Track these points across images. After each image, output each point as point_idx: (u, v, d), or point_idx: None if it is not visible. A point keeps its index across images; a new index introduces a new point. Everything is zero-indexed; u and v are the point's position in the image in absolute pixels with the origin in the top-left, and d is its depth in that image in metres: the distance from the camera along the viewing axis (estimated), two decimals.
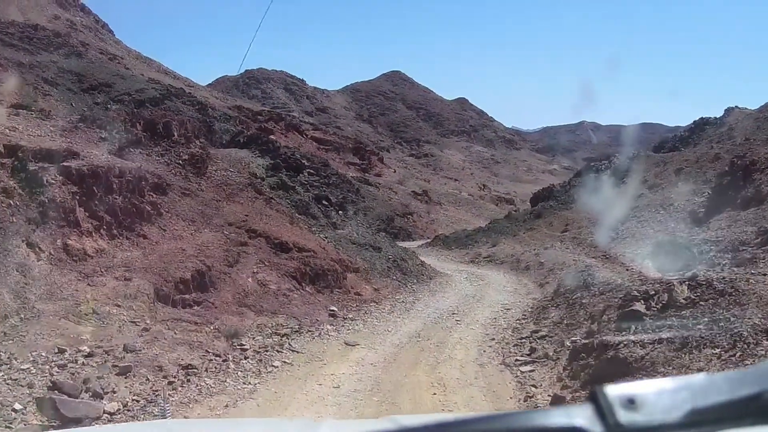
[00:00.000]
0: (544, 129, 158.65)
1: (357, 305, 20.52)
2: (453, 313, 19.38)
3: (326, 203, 27.95)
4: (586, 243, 29.52)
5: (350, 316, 18.71)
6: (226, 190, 25.76)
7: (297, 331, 16.33)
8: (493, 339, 15.99)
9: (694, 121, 43.35)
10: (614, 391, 1.12)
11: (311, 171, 30.23)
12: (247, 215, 23.84)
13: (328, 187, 39.16)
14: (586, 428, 1.07)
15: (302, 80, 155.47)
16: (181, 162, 25.69)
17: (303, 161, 31.07)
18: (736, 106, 40.67)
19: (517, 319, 18.39)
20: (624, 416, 1.06)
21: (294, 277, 20.05)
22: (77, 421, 9.13)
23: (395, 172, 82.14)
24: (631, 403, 1.08)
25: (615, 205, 28.65)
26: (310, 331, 16.56)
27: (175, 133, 27.41)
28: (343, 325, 17.44)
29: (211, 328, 15.39)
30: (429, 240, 46.81)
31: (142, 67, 75.84)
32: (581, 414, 1.09)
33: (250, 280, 18.88)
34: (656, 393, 1.12)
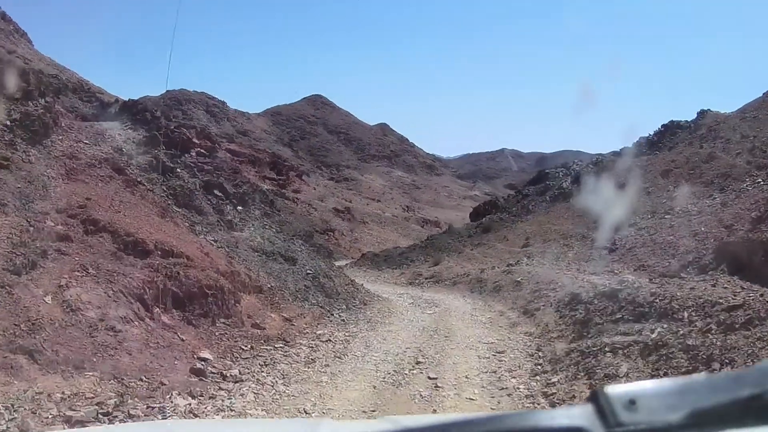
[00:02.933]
0: (465, 156, 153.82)
1: (253, 347, 11.91)
2: (417, 363, 10.84)
3: (220, 194, 19.04)
4: (569, 257, 21.56)
5: (234, 371, 9.88)
6: (68, 165, 16.53)
7: (109, 414, 7.41)
8: None
9: (663, 125, 36.92)
10: (615, 391, 1.06)
11: (203, 151, 21.13)
12: (88, 199, 14.71)
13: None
14: (587, 428, 1.02)
15: (223, 102, 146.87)
16: (9, 122, 16.46)
17: (193, 139, 21.94)
18: (709, 109, 34.54)
19: (534, 374, 9.99)
20: (625, 416, 1.01)
21: (141, 297, 11.10)
22: None
23: (315, 189, 73.40)
24: (632, 403, 1.02)
25: (604, 214, 20.88)
26: (138, 410, 7.62)
27: (11, 84, 17.98)
28: (215, 395, 8.54)
29: None
30: (355, 259, 38.28)
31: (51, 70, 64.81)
32: (582, 414, 1.04)
33: (48, 299, 9.88)
34: (657, 393, 1.07)
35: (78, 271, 10.99)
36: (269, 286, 16.12)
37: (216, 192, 19.28)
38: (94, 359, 8.95)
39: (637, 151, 33.73)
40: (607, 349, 9.48)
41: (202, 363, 9.80)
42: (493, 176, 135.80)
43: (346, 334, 13.81)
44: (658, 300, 10.40)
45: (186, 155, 20.29)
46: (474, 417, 1.15)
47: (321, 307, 16.41)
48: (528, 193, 36.05)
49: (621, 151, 35.74)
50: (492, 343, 12.96)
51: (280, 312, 15.20)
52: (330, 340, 12.99)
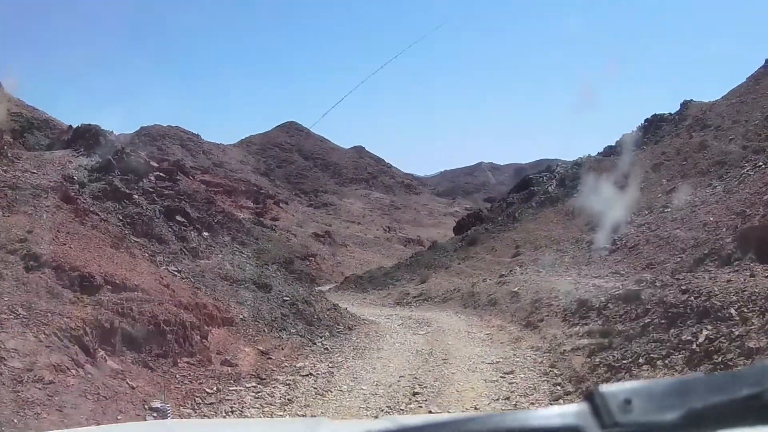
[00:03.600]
0: (442, 173, 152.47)
1: (220, 389, 10.14)
2: (414, 394, 9.13)
3: (182, 220, 17.22)
4: (565, 262, 19.97)
5: (194, 419, 8.03)
6: (9, 197, 14.76)
7: None
8: None
9: (646, 120, 35.65)
10: (611, 390, 1.03)
11: (162, 175, 19.23)
12: (30, 232, 12.91)
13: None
14: (582, 428, 1.01)
15: (197, 135, 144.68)
16: None
17: (150, 162, 20.04)
18: (692, 100, 33.35)
19: (556, 397, 8.32)
20: (620, 416, 0.99)
21: (80, 340, 9.27)
22: None
23: (293, 216, 71.55)
24: (627, 403, 1.00)
25: (598, 214, 19.42)
26: None
27: None
28: None
29: None
30: (338, 283, 36.43)
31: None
32: (578, 414, 1.03)
33: None
34: (653, 393, 1.05)
35: (5, 314, 9.17)
36: (242, 317, 14.35)
37: (178, 218, 17.45)
38: (15, 419, 7.15)
39: (621, 149, 32.46)
40: (641, 360, 7.82)
41: (154, 414, 7.99)
42: (472, 191, 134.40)
43: (330, 364, 12.03)
44: (692, 298, 8.76)
45: (144, 180, 18.45)
46: (472, 416, 1.11)
47: (301, 336, 14.62)
48: (513, 200, 34.50)
49: (605, 151, 34.48)
50: (497, 362, 11.26)
51: (255, 345, 13.45)
52: (311, 374, 11.21)
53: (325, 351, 13.62)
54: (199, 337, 12.17)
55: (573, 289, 15.01)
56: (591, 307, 12.50)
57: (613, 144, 35.26)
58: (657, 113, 34.85)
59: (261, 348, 13.31)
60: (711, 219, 15.97)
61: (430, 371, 10.75)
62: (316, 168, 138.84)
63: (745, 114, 25.63)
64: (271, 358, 12.81)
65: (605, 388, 1.03)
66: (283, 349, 13.58)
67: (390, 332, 16.07)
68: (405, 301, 24.72)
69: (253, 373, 11.65)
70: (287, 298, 16.03)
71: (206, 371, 11.21)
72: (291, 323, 15.10)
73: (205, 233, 17.96)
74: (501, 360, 11.42)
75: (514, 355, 11.86)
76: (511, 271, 21.37)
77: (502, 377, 9.94)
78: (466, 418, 1.10)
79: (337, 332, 15.97)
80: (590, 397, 1.04)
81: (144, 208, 16.87)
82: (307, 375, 11.11)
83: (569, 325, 12.68)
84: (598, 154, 34.82)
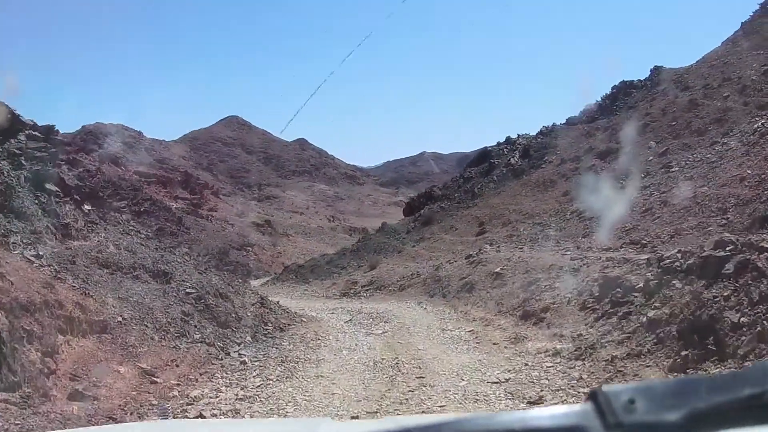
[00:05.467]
0: (386, 163, 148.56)
1: None
2: None
3: (56, 190, 12.25)
4: (552, 235, 15.89)
5: None
6: None
7: None
8: None
9: (614, 87, 31.87)
10: (614, 390, 0.99)
11: (36, 134, 14.01)
12: None
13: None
14: (586, 428, 0.97)
15: (140, 132, 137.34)
16: None
17: (20, 117, 14.77)
18: (662, 66, 29.80)
19: None
20: (624, 416, 0.95)
21: None
22: None
23: (233, 207, 66.22)
24: (631, 403, 0.96)
25: (582, 182, 15.50)
26: None
27: None
28: None
29: None
30: (277, 274, 31.68)
31: None
32: (581, 413, 0.99)
33: None
34: (656, 393, 1.01)
35: None
36: (121, 318, 9.61)
37: (49, 186, 12.45)
38: None
39: (588, 118, 28.69)
40: None
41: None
42: (416, 180, 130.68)
43: (242, 391, 7.45)
44: None
45: (12, 140, 13.37)
46: (474, 416, 1.05)
47: (209, 343, 10.00)
48: (471, 175, 30.28)
49: (568, 122, 30.60)
50: (504, 381, 6.86)
51: (137, 361, 8.85)
52: (207, 408, 6.61)
53: (241, 366, 9.02)
54: (39, 354, 7.56)
55: (582, 266, 10.73)
56: (629, 287, 8.22)
57: (577, 114, 31.58)
58: (625, 80, 31.36)
59: (144, 365, 8.68)
60: (749, 172, 11.98)
61: (401, 402, 6.28)
62: (259, 162, 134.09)
63: (735, 72, 22.07)
64: (156, 382, 8.25)
65: (609, 387, 0.98)
66: (178, 365, 8.98)
67: (335, 333, 11.52)
68: (353, 291, 20.22)
69: (118, 410, 7.08)
70: (192, 291, 11.28)
71: (33, 413, 6.59)
72: (195, 326, 10.42)
73: (87, 206, 12.99)
74: (510, 377, 7.03)
75: (526, 366, 7.49)
76: (480, 250, 17.06)
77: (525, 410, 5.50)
78: (468, 418, 1.04)
79: (264, 336, 11.36)
80: (594, 397, 0.99)
81: (4, 174, 11.98)
82: (198, 415, 6.50)
83: (597, 316, 8.39)
84: (561, 125, 30.97)
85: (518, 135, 31.14)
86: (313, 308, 16.57)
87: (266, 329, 11.82)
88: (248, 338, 10.97)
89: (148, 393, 7.82)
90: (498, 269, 13.33)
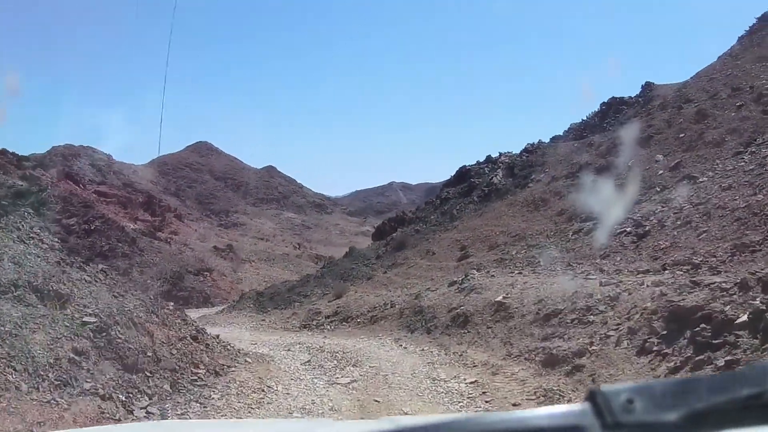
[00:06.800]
0: (354, 193, 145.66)
1: None
2: None
3: None
4: (554, 257, 13.01)
5: None
6: None
7: None
8: None
9: (603, 103, 29.57)
10: (613, 390, 0.98)
11: None
12: None
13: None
14: (585, 427, 0.95)
15: (109, 155, 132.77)
16: None
17: None
18: (653, 82, 27.67)
19: None
20: (623, 416, 0.93)
21: None
22: None
23: (196, 231, 62.47)
24: (629, 402, 0.94)
25: (591, 199, 12.80)
26: None
27: None
28: None
29: None
30: (234, 302, 28.25)
31: None
32: (580, 413, 0.97)
33: None
34: (655, 393, 0.99)
35: None
36: None
37: None
38: None
39: (576, 135, 26.22)
40: None
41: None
42: (384, 210, 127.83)
43: None
44: None
45: None
46: (474, 417, 1.06)
47: (104, 396, 6.82)
48: (448, 196, 27.32)
49: (554, 139, 28.11)
50: None
51: None
52: None
53: None
54: None
55: (621, 293, 7.80)
56: (726, 322, 5.33)
57: (561, 134, 29.13)
58: (615, 96, 29.09)
59: None
60: None
61: None
62: (227, 188, 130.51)
63: (744, 83, 19.76)
64: None
65: (607, 387, 0.97)
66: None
67: (287, 380, 8.33)
68: (315, 322, 17.03)
69: None
70: (92, 319, 8.00)
71: None
72: (89, 369, 7.20)
73: None
74: None
75: None
76: (467, 275, 14.07)
77: None
78: (468, 418, 1.02)
79: (189, 383, 8.11)
80: (592, 397, 0.97)
81: None
82: None
83: (675, 365, 5.48)
84: (548, 142, 28.41)
85: (500, 153, 28.48)
86: (267, 343, 13.37)
87: (195, 374, 8.60)
88: (165, 387, 7.74)
89: None
90: (499, 298, 10.31)
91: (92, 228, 35.56)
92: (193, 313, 27.09)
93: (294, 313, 20.05)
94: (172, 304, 12.33)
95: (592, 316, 7.61)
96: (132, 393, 7.32)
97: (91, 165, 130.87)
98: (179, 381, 8.09)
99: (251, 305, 24.68)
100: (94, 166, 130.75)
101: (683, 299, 6.49)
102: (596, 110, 29.55)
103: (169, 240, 47.66)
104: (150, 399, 7.41)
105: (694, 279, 7.19)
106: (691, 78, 23.96)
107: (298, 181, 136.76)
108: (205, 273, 37.22)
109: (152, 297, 11.84)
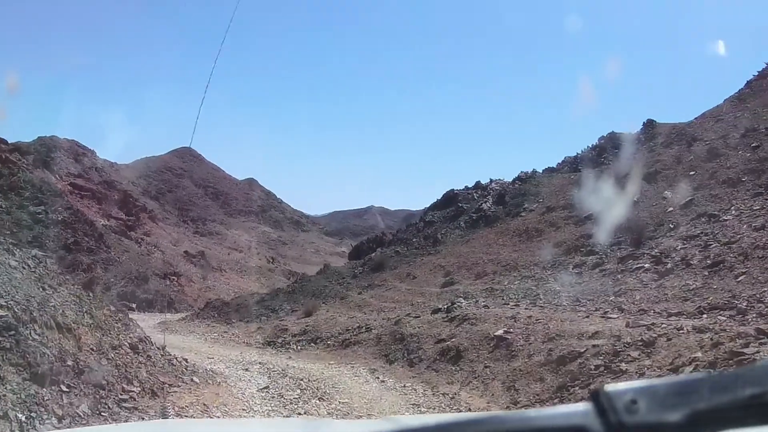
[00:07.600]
0: (332, 213, 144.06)
1: None
2: None
3: None
4: (554, 291, 11.58)
5: None
6: None
7: None
8: None
9: (601, 138, 28.59)
10: (616, 390, 0.96)
11: None
12: None
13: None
14: (587, 428, 0.93)
15: (93, 151, 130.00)
16: None
17: None
18: (654, 120, 26.72)
19: None
20: (626, 416, 0.92)
21: None
22: None
23: (169, 234, 60.38)
24: (633, 403, 0.93)
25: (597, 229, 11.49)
26: None
27: None
28: None
29: None
30: (198, 310, 26.43)
31: None
32: (583, 414, 0.95)
33: None
34: (658, 393, 0.97)
35: None
36: None
37: None
38: None
39: (571, 168, 25.03)
40: None
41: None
42: (360, 233, 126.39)
43: None
44: None
45: None
46: (475, 417, 1.03)
47: None
48: (433, 219, 25.84)
49: (547, 171, 26.89)
50: None
51: None
52: None
53: None
54: None
55: (657, 338, 6.34)
56: None
57: (554, 166, 27.91)
58: (615, 131, 28.13)
59: None
60: None
61: None
62: (207, 196, 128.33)
63: (758, 125, 18.77)
64: None
65: (611, 387, 0.94)
66: None
67: (238, 412, 6.68)
68: (281, 340, 15.34)
69: None
70: (2, 312, 6.33)
71: None
72: None
73: None
74: None
75: None
76: (453, 303, 12.55)
77: None
78: (469, 419, 1.00)
79: (114, 405, 6.44)
80: (595, 397, 0.96)
81: None
82: None
83: None
84: (541, 173, 27.23)
85: (491, 179, 27.17)
86: (224, 358, 11.69)
87: (127, 392, 6.93)
88: (83, 408, 6.07)
89: None
90: (499, 332, 8.76)
91: (59, 218, 33.53)
92: (154, 318, 25.17)
93: (260, 327, 18.35)
94: (135, 303, 10.61)
95: (624, 364, 6.13)
96: (36, 412, 5.64)
97: (74, 159, 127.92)
98: (103, 400, 6.41)
99: (216, 315, 22.92)
100: (77, 160, 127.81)
101: (745, 349, 5.07)
102: (593, 144, 28.55)
103: (139, 240, 45.62)
104: (60, 421, 5.74)
105: (756, 329, 5.76)
106: (696, 118, 22.97)
107: (278, 196, 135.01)
108: (172, 277, 35.24)
109: (113, 296, 10.14)
